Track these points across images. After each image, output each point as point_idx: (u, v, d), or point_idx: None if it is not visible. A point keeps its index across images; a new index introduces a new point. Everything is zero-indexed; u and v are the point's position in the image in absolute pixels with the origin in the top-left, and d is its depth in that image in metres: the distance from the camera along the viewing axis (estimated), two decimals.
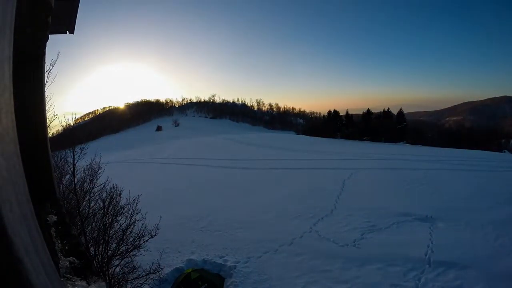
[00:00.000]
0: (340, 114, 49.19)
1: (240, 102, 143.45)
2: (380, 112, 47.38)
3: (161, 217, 6.47)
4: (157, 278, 6.30)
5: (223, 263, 6.75)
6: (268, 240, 7.54)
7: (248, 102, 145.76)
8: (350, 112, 49.61)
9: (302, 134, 51.79)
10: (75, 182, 6.36)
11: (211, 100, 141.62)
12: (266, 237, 7.74)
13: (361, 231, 7.84)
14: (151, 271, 6.09)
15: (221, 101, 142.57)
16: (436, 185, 11.94)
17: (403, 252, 6.61)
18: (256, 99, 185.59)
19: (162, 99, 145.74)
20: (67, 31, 3.20)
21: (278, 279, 5.99)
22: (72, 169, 6.35)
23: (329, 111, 50.60)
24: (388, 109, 47.02)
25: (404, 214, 8.76)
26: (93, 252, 5.87)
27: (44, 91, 2.98)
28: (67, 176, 6.55)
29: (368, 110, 47.22)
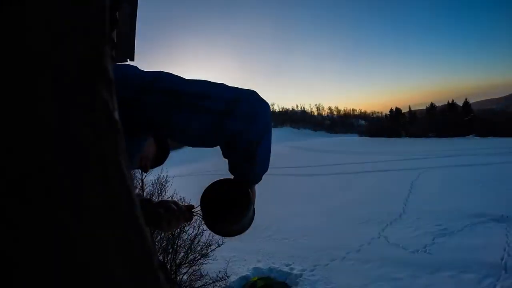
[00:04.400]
0: (403, 111, 49.31)
1: (299, 109, 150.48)
2: (445, 105, 46.42)
3: None
4: (223, 286, 7.08)
5: (289, 271, 7.40)
6: (335, 247, 8.08)
7: (307, 108, 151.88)
8: (412, 108, 50.10)
9: (365, 136, 52.22)
10: (144, 196, 7.63)
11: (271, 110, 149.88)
12: (332, 244, 8.29)
13: (432, 235, 8.08)
14: (218, 279, 6.95)
15: (281, 110, 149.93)
16: (511, 180, 11.80)
17: (477, 257, 6.74)
18: (315, 104, 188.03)
19: None
20: (128, 60, 4.01)
21: None
22: (141, 184, 7.64)
23: (391, 109, 50.82)
24: (453, 100, 45.89)
25: (478, 215, 8.85)
26: (162, 261, 7.02)
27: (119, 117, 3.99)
28: (136, 191, 7.80)
29: (432, 104, 46.89)
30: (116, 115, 0.26)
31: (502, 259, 6.56)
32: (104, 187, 0.24)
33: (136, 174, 7.83)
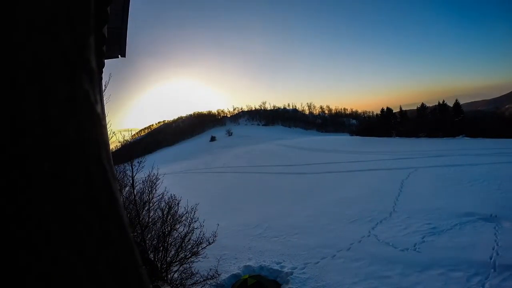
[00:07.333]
0: (394, 111, 50.11)
1: (291, 107, 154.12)
2: (435, 105, 47.40)
3: (218, 225, 7.47)
4: (214, 284, 7.11)
5: (280, 269, 7.48)
6: (326, 246, 8.21)
7: (299, 107, 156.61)
8: (403, 108, 50.60)
9: (356, 135, 53.14)
10: (135, 193, 7.58)
11: (262, 108, 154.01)
12: (323, 243, 8.42)
13: (421, 234, 8.21)
14: (209, 277, 6.98)
15: (272, 108, 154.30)
16: (500, 180, 11.99)
17: (466, 256, 6.89)
18: (307, 103, 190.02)
19: (214, 110, 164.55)
20: (119, 55, 4.03)
21: (336, 286, 6.54)
22: (131, 181, 7.58)
23: (382, 109, 51.56)
24: (444, 101, 46.82)
25: (467, 214, 9.03)
26: (152, 259, 7.02)
27: (104, 111, 3.88)
28: (127, 188, 7.76)
29: (423, 105, 47.84)
30: (99, 108, 0.26)
31: (491, 258, 6.71)
32: (85, 182, 0.24)
33: (127, 172, 7.78)
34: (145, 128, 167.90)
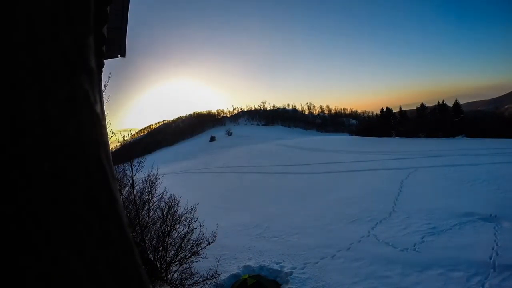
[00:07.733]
0: (394, 111, 50.34)
1: (290, 107, 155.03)
2: (435, 105, 47.64)
3: (218, 225, 7.49)
4: (214, 284, 7.12)
5: (279, 269, 7.49)
6: (325, 246, 8.23)
7: (298, 107, 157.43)
8: (403, 108, 50.90)
9: (356, 135, 53.45)
10: (134, 193, 7.59)
11: (262, 108, 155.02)
12: (323, 243, 8.44)
13: (421, 234, 8.23)
14: (208, 277, 6.99)
15: (272, 108, 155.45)
16: (500, 181, 12.04)
17: (466, 256, 6.90)
18: (307, 103, 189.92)
19: (214, 110, 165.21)
20: (119, 55, 4.06)
21: (336, 286, 6.55)
22: (131, 181, 7.59)
23: (382, 109, 51.79)
24: (443, 101, 47.04)
25: (467, 214, 9.05)
26: (152, 259, 7.03)
27: (104, 111, 3.89)
28: (127, 188, 7.77)
29: (422, 105, 48.11)
30: (98, 108, 0.26)
31: (490, 258, 6.73)
32: (85, 182, 0.24)
33: (127, 172, 7.79)
34: (144, 128, 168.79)
